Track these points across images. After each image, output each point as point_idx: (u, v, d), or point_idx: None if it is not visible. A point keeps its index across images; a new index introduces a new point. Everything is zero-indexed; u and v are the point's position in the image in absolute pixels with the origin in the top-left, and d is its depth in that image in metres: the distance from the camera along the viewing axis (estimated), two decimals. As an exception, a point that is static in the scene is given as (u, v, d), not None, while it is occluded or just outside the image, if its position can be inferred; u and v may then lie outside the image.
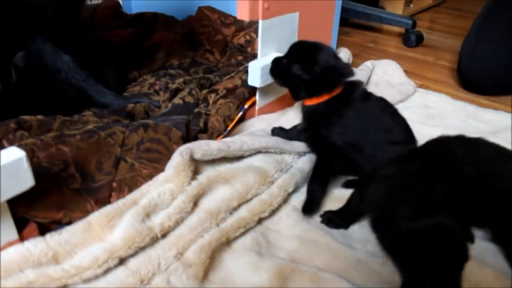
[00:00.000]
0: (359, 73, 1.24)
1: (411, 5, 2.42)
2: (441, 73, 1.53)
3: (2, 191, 0.56)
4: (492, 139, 1.00)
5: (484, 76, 1.32)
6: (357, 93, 0.84)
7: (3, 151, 0.57)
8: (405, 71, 1.46)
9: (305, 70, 0.84)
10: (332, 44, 1.33)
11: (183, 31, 1.46)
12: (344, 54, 1.35)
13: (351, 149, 0.81)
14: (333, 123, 0.82)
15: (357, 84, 0.86)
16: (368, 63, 1.36)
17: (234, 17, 1.45)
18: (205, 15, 1.47)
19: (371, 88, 1.23)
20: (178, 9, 1.67)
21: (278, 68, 0.91)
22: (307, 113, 0.87)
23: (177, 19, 1.64)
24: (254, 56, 1.28)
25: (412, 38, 1.81)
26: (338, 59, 0.86)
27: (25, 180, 0.58)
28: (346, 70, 0.86)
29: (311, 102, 0.86)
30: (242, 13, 0.90)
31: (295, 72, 0.85)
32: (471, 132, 1.05)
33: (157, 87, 1.13)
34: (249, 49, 1.33)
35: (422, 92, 1.31)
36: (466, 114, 1.18)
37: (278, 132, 0.92)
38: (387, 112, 0.85)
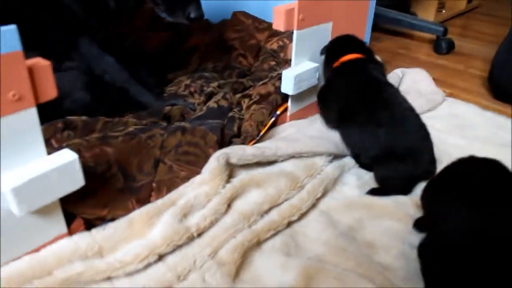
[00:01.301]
0: (389, 81, 1.27)
1: (444, 11, 2.41)
2: (471, 82, 1.53)
3: (56, 190, 0.62)
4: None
5: None
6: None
7: (57, 153, 0.62)
8: (435, 79, 1.47)
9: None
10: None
11: (218, 35, 1.51)
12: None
13: None
14: None
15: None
16: (398, 71, 1.37)
17: (268, 23, 1.49)
18: (239, 20, 1.52)
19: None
20: (212, 13, 1.71)
21: None
22: None
23: (212, 22, 1.69)
24: (286, 62, 1.32)
25: (443, 46, 1.82)
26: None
27: (77, 180, 0.63)
28: None
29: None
30: (278, 24, 0.94)
31: None
32: (499, 143, 1.08)
33: (192, 89, 1.17)
34: (281, 55, 1.37)
35: (450, 101, 1.32)
36: (494, 125, 1.19)
37: None
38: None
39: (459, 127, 1.18)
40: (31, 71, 0.55)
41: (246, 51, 1.41)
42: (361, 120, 0.91)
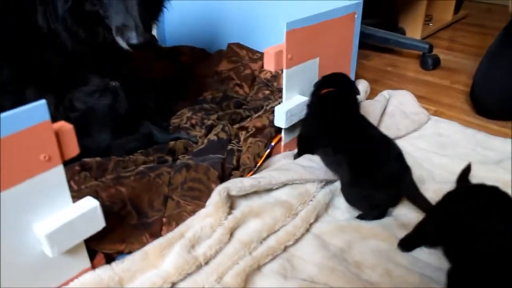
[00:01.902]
0: (376, 104, 1.37)
1: (431, 24, 2.50)
2: (455, 98, 1.63)
3: (81, 233, 0.72)
4: (495, 168, 1.12)
5: (495, 101, 1.41)
6: None
7: (81, 201, 0.72)
8: (421, 97, 1.57)
9: None
10: (351, 74, 1.44)
11: (215, 65, 1.61)
12: (362, 86, 1.47)
13: None
14: None
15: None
16: (385, 93, 1.47)
17: (261, 53, 1.59)
18: (234, 51, 1.62)
19: (386, 119, 1.35)
20: (208, 42, 1.82)
21: None
22: None
23: (208, 51, 1.80)
24: (280, 90, 1.42)
25: (429, 62, 1.92)
26: None
27: (98, 223, 0.74)
28: None
29: None
30: (269, 64, 1.04)
31: None
32: (477, 160, 1.17)
33: (193, 121, 1.27)
34: (275, 84, 1.47)
35: (435, 120, 1.41)
36: (474, 142, 1.28)
37: None
38: None
39: (442, 146, 1.27)
40: (57, 134, 0.66)
41: (242, 81, 1.51)
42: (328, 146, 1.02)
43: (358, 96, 1.11)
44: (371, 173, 0.94)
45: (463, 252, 0.75)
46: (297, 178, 1.00)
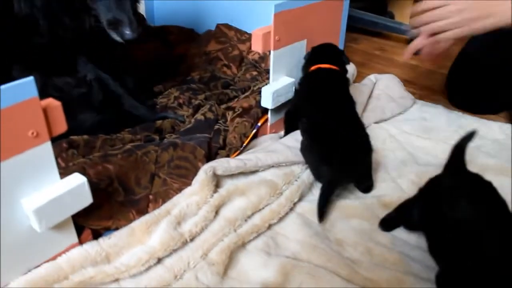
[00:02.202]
0: (362, 88, 1.38)
1: (420, 8, 2.51)
2: (441, 82, 1.65)
3: (69, 208, 0.73)
4: (476, 152, 1.15)
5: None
6: None
7: (69, 177, 0.73)
8: (408, 81, 1.59)
9: None
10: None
11: (203, 46, 1.61)
12: (349, 70, 1.48)
13: None
14: None
15: None
16: (372, 77, 1.49)
17: (249, 34, 1.60)
18: (222, 32, 1.62)
19: (373, 102, 1.37)
20: (197, 22, 1.82)
21: None
22: None
23: (197, 32, 1.79)
24: (267, 72, 1.43)
25: (416, 46, 1.93)
26: None
27: (86, 199, 0.75)
28: None
29: None
30: (257, 46, 1.05)
31: None
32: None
33: (181, 101, 1.28)
34: (262, 65, 1.48)
35: (420, 104, 1.43)
36: (457, 126, 1.30)
37: None
38: None
39: (425, 129, 1.29)
40: (45, 111, 0.66)
41: (230, 61, 1.51)
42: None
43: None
44: (319, 143, 0.98)
45: (446, 245, 0.72)
46: (283, 161, 1.02)
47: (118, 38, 1.06)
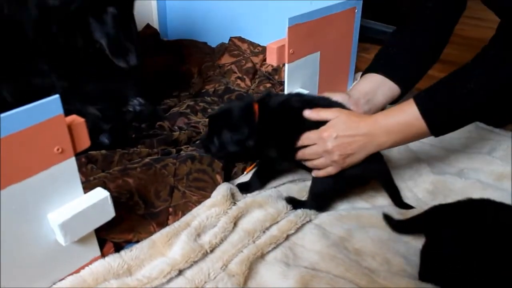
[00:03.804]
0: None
1: (430, 16, 2.52)
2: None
3: (92, 222, 0.75)
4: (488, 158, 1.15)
5: None
6: None
7: (92, 192, 0.75)
8: (420, 90, 1.59)
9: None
10: (352, 67, 1.46)
11: (217, 59, 1.64)
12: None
13: None
14: None
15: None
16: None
17: (262, 46, 1.62)
18: (235, 45, 1.65)
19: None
20: (210, 36, 1.84)
21: None
22: None
23: (210, 45, 1.82)
24: (281, 83, 1.45)
25: (427, 55, 1.93)
26: None
27: (108, 213, 0.77)
28: None
29: None
30: (271, 59, 1.07)
31: None
32: (474, 151, 1.20)
33: (197, 108, 1.31)
34: (276, 77, 1.50)
35: (433, 112, 1.43)
36: (472, 134, 1.30)
37: None
38: None
39: (440, 138, 1.29)
40: (70, 127, 0.68)
41: (244, 74, 1.53)
42: None
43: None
44: None
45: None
46: (297, 178, 1.05)
47: (123, 65, 1.11)
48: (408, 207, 1.00)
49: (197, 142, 1.15)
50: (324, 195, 0.99)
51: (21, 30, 1.08)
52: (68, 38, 1.10)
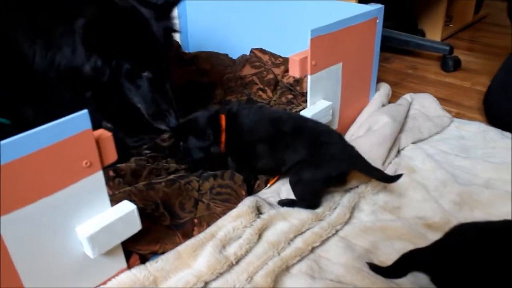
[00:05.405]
0: (399, 108, 1.38)
1: (451, 24, 2.50)
2: (477, 100, 1.63)
3: (120, 235, 0.76)
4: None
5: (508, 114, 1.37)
6: None
7: (119, 205, 0.76)
8: (442, 99, 1.58)
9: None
10: (373, 78, 1.46)
11: (238, 70, 1.65)
12: (384, 90, 1.49)
13: None
14: None
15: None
16: (407, 96, 1.49)
17: (283, 58, 1.62)
18: (256, 56, 1.66)
19: (409, 122, 1.37)
20: (231, 48, 1.86)
21: None
22: None
23: (231, 57, 1.83)
24: (302, 94, 1.45)
25: (449, 64, 1.92)
26: None
27: (135, 226, 0.77)
28: None
29: None
30: (294, 71, 1.07)
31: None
32: (500, 161, 1.18)
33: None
34: (297, 88, 1.50)
35: (457, 122, 1.42)
36: (497, 143, 1.28)
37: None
38: None
39: (464, 148, 1.28)
40: (97, 142, 0.69)
41: (265, 85, 1.54)
42: None
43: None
44: None
45: None
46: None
47: (163, 127, 1.15)
48: (397, 178, 0.99)
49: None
50: (306, 197, 1.00)
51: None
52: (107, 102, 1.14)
